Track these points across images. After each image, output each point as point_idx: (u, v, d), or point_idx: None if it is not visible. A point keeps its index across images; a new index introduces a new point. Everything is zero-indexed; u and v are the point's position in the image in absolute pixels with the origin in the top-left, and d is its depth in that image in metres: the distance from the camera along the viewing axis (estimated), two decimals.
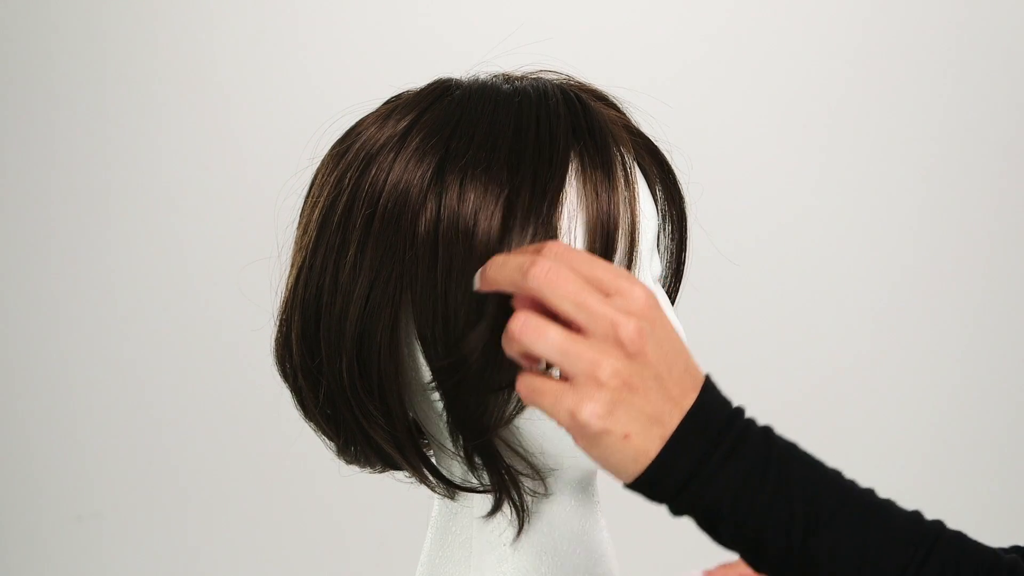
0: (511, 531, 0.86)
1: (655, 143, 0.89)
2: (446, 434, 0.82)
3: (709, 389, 0.72)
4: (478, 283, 0.74)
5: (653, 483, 0.70)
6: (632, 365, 0.69)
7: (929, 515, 0.73)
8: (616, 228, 0.79)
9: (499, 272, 0.72)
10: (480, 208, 0.77)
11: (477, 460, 0.82)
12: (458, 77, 0.87)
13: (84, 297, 2.21)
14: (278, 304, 0.86)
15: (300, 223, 0.85)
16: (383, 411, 0.81)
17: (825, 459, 0.74)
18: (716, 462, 0.69)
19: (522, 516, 0.84)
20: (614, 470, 0.71)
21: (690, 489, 0.70)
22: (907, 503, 0.74)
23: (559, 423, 0.70)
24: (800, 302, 2.17)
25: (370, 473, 0.90)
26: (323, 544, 2.22)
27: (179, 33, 2.18)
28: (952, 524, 0.73)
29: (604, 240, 0.79)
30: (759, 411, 0.75)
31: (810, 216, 2.16)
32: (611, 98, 0.88)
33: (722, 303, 2.11)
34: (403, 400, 0.81)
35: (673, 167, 0.89)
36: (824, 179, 2.16)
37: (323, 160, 0.86)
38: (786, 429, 0.74)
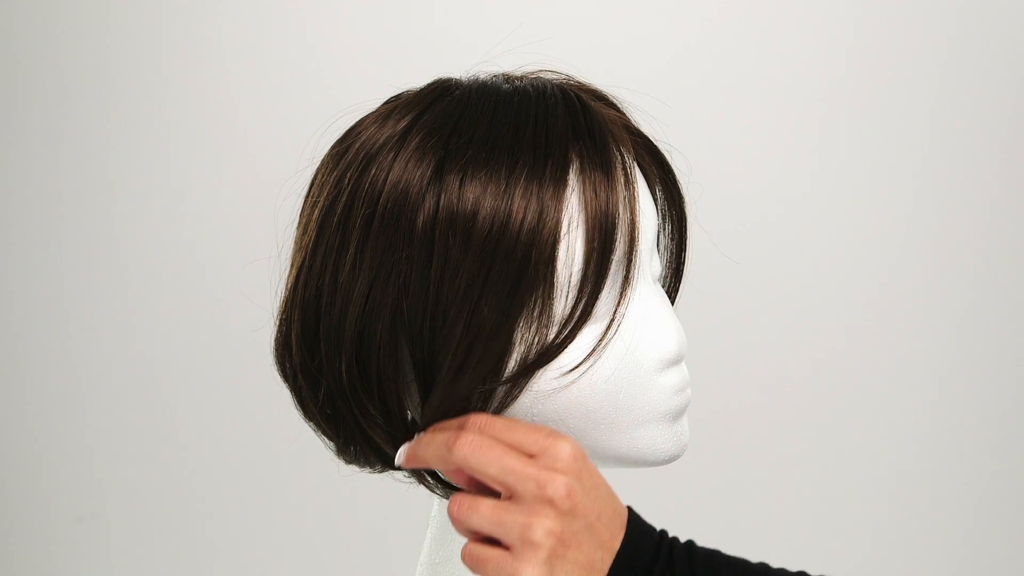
0: None
1: (655, 143, 0.89)
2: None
3: (634, 523, 0.77)
4: (402, 460, 0.79)
5: None
6: (564, 521, 0.74)
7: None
8: (615, 227, 0.79)
9: (426, 450, 0.77)
10: (478, 207, 0.77)
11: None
12: (458, 77, 0.87)
13: (85, 297, 2.21)
14: (278, 304, 0.86)
15: (300, 223, 0.85)
16: (382, 411, 0.81)
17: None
18: None
19: None
20: None
21: None
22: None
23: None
24: (800, 300, 2.17)
25: (369, 473, 0.90)
26: (323, 544, 2.22)
27: (180, 34, 2.18)
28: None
29: (603, 239, 0.79)
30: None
31: (809, 215, 2.16)
32: (611, 98, 0.89)
33: (722, 303, 2.11)
34: (402, 400, 0.82)
35: (673, 167, 0.89)
36: (823, 177, 2.16)
37: (323, 160, 0.86)
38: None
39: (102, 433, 2.22)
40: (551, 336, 0.79)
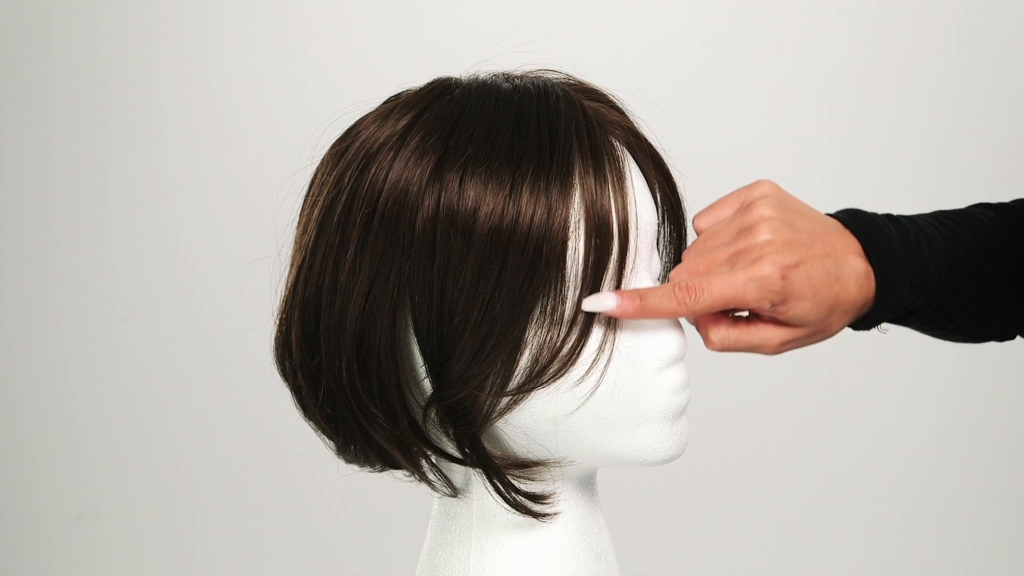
0: (512, 530, 0.86)
1: (653, 144, 0.89)
2: (440, 429, 0.83)
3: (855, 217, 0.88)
4: (630, 311, 0.80)
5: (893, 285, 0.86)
6: (782, 228, 0.84)
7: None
8: (614, 227, 0.80)
9: (660, 301, 0.81)
10: (480, 204, 0.78)
11: (468, 452, 0.82)
12: (457, 76, 0.87)
13: (84, 297, 2.21)
14: (278, 303, 0.86)
15: (300, 222, 0.85)
16: (383, 409, 0.81)
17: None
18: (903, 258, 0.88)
19: (523, 508, 0.84)
20: (845, 297, 0.86)
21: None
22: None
23: (751, 302, 0.82)
24: None
25: (369, 472, 0.90)
26: (323, 543, 2.22)
27: (179, 34, 2.18)
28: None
29: (603, 238, 0.79)
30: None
31: None
32: (611, 98, 0.88)
33: None
34: (404, 398, 0.82)
35: (671, 167, 0.89)
36: (822, 179, 2.16)
37: (323, 159, 0.86)
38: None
39: (102, 433, 2.22)
40: (561, 336, 0.79)
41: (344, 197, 0.81)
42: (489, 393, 0.79)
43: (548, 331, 0.79)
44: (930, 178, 2.17)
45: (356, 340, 0.80)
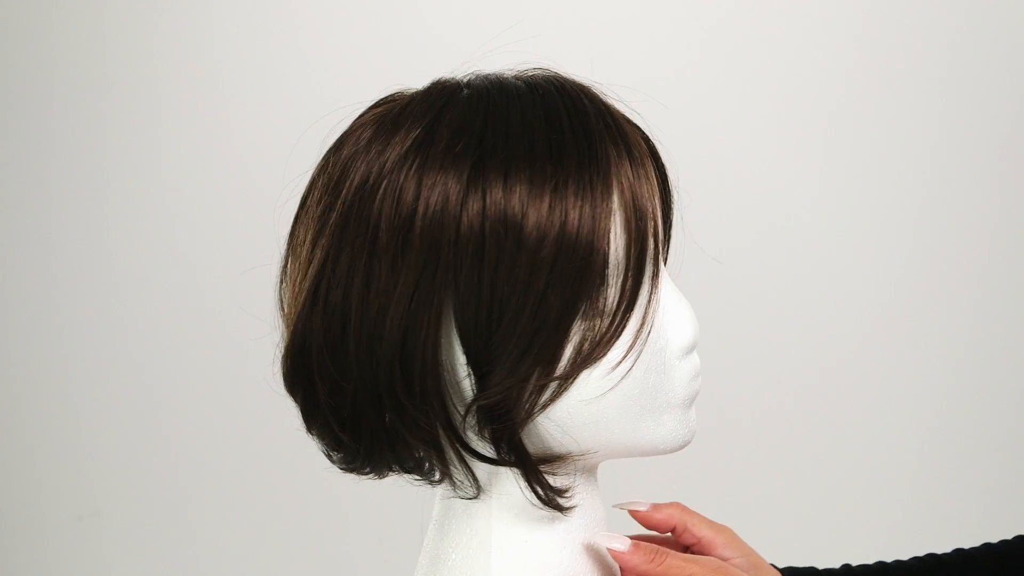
0: (532, 525, 0.86)
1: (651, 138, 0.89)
2: (476, 429, 0.82)
3: None
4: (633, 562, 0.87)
5: None
6: None
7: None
8: (647, 219, 0.81)
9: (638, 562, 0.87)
10: (528, 201, 0.77)
11: (505, 450, 0.82)
12: (457, 78, 0.86)
13: (84, 297, 2.21)
14: (284, 313, 0.85)
15: (304, 227, 0.84)
16: (423, 411, 0.81)
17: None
18: None
19: (555, 504, 0.85)
20: None
21: None
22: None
23: None
24: (797, 302, 2.17)
25: (371, 480, 0.89)
26: (323, 542, 2.22)
27: (175, 40, 2.17)
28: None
29: (639, 232, 0.80)
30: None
31: (807, 215, 2.16)
32: (604, 96, 0.88)
33: (722, 301, 2.11)
34: (444, 400, 0.81)
35: (666, 163, 0.90)
36: (822, 178, 2.16)
37: (329, 163, 0.84)
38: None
39: (102, 433, 2.22)
40: (604, 326, 0.80)
41: (369, 202, 0.79)
42: (533, 388, 0.80)
43: (591, 320, 0.80)
44: (930, 178, 2.17)
45: (398, 344, 0.79)
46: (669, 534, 0.97)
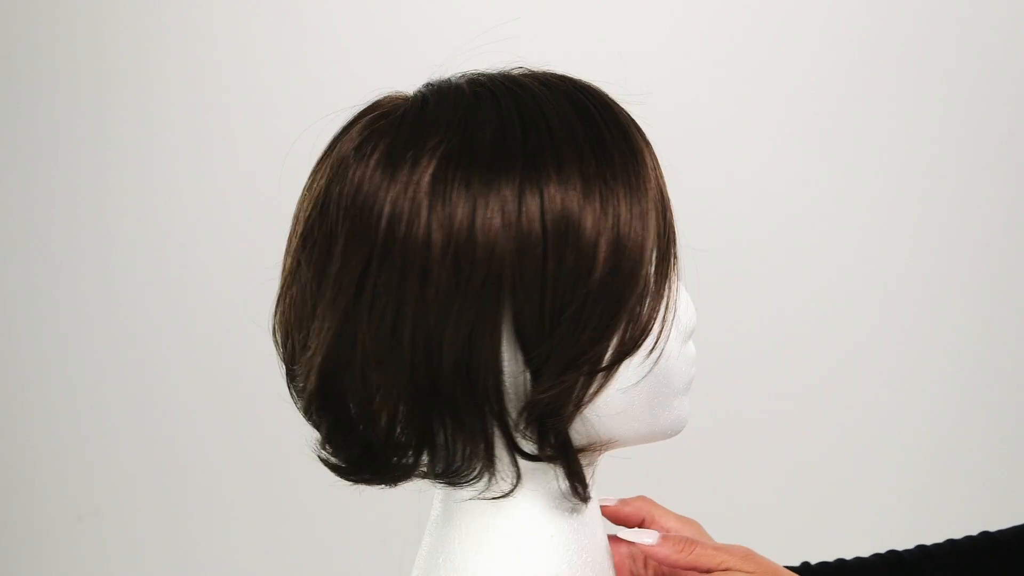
0: (557, 519, 0.86)
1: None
2: (522, 424, 0.81)
3: None
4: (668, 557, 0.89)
5: None
6: None
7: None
8: (670, 207, 0.83)
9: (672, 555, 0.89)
10: (584, 198, 0.77)
11: (553, 446, 0.82)
12: (453, 77, 0.85)
13: (84, 297, 2.21)
14: (289, 338, 0.84)
15: (320, 242, 0.81)
16: (479, 416, 0.80)
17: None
18: None
19: (584, 496, 0.86)
20: None
21: None
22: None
23: None
24: (797, 302, 2.17)
25: (381, 488, 0.89)
26: (323, 541, 2.22)
27: (180, 37, 2.17)
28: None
29: (667, 219, 0.82)
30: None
31: (806, 215, 2.16)
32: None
33: (721, 301, 2.11)
34: (504, 400, 0.81)
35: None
36: (821, 178, 2.16)
37: (332, 195, 0.81)
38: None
39: (102, 433, 2.22)
40: (645, 315, 0.81)
41: (413, 228, 0.77)
42: (584, 381, 0.80)
43: (634, 309, 0.80)
44: (930, 178, 2.17)
45: (461, 351, 0.78)
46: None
